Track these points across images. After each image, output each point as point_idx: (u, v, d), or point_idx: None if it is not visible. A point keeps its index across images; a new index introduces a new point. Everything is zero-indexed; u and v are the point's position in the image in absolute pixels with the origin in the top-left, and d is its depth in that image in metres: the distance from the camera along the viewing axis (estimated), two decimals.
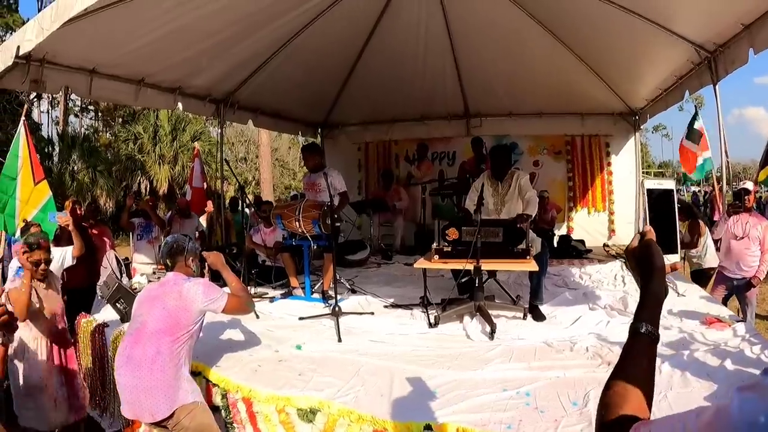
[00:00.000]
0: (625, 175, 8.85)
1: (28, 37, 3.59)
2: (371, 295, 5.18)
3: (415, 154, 9.46)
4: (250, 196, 12.18)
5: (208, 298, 2.82)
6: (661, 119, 58.59)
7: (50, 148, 20.06)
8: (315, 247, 5.30)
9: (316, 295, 5.26)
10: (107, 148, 22.69)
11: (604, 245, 8.27)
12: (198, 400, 2.75)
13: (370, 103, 8.90)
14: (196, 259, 3.11)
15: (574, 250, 7.67)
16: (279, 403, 2.80)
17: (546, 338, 3.76)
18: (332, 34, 6.57)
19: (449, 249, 4.24)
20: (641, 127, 8.77)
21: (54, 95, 20.56)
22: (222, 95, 7.14)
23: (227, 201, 10.27)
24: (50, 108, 26.77)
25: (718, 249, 6.00)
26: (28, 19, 5.12)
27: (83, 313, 4.40)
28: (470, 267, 4.05)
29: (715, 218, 8.18)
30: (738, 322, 3.89)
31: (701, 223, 6.28)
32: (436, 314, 4.21)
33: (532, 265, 4.12)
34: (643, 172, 9.69)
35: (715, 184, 9.43)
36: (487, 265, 4.17)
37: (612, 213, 8.95)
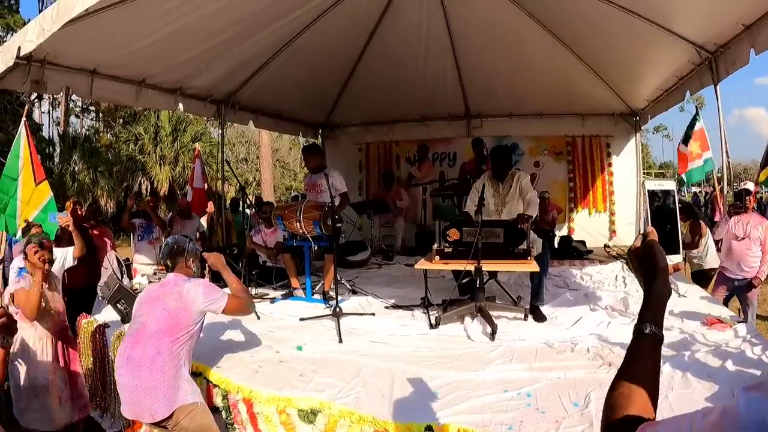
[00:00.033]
0: (625, 176, 8.85)
1: (29, 37, 3.60)
2: (372, 296, 5.18)
3: (416, 155, 9.47)
4: (251, 197, 12.18)
5: (208, 299, 2.82)
6: (662, 120, 58.64)
7: (51, 149, 20.06)
8: (316, 247, 5.30)
9: (316, 296, 5.26)
10: (108, 148, 22.69)
11: (605, 246, 8.27)
12: (198, 400, 2.75)
13: (371, 104, 8.91)
14: (196, 260, 3.12)
15: (574, 251, 7.66)
16: (280, 403, 2.80)
17: (547, 339, 3.76)
18: (333, 35, 6.58)
19: (450, 250, 4.23)
20: (642, 127, 8.77)
21: (55, 96, 20.59)
22: (223, 96, 7.14)
23: (228, 202, 10.28)
24: (51, 109, 26.84)
25: (719, 250, 5.99)
26: (29, 20, 5.12)
27: (84, 313, 4.40)
28: (471, 268, 4.05)
29: (716, 219, 8.17)
30: (739, 322, 3.89)
31: (702, 223, 6.27)
32: (437, 315, 4.21)
33: (533, 266, 4.12)
34: (643, 173, 9.68)
35: (716, 184, 9.43)
36: (487, 266, 4.16)
37: (613, 214, 8.94)
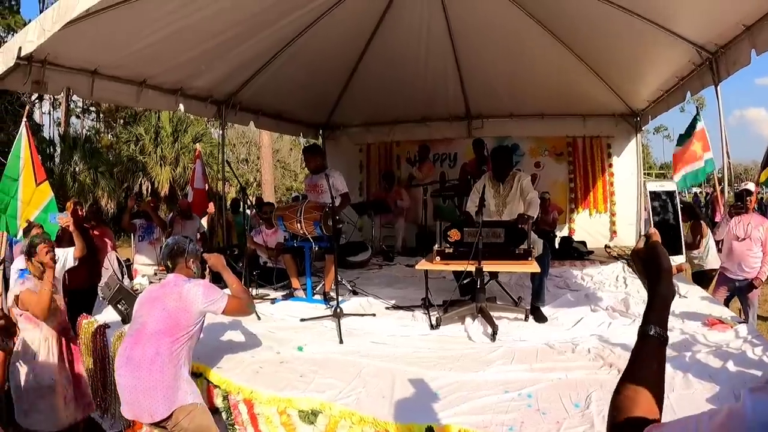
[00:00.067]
0: (626, 177, 8.85)
1: (30, 38, 3.60)
2: (373, 297, 5.18)
3: (417, 156, 9.48)
4: (252, 198, 12.17)
5: (208, 300, 2.82)
6: (663, 120, 58.60)
7: (52, 149, 20.05)
8: (316, 248, 5.29)
9: (317, 297, 5.26)
10: (109, 149, 22.68)
11: (606, 246, 8.27)
12: (197, 401, 2.75)
13: (371, 105, 8.91)
14: (196, 260, 3.11)
15: (575, 252, 7.67)
16: (280, 404, 2.80)
17: (548, 340, 3.76)
18: (334, 36, 6.58)
19: (451, 250, 4.23)
20: (643, 128, 8.77)
21: (55, 96, 20.57)
22: (223, 96, 7.15)
23: (228, 202, 10.29)
24: (52, 109, 26.81)
25: (719, 250, 5.99)
26: (30, 21, 5.12)
27: (84, 314, 4.40)
28: (472, 268, 4.04)
29: (716, 219, 8.16)
30: (740, 323, 3.88)
31: (703, 224, 6.26)
32: (437, 316, 4.20)
33: (533, 267, 4.12)
34: (644, 174, 9.68)
35: (717, 185, 9.42)
36: (488, 267, 4.15)
37: (613, 214, 8.94)
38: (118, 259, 6.29)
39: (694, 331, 3.76)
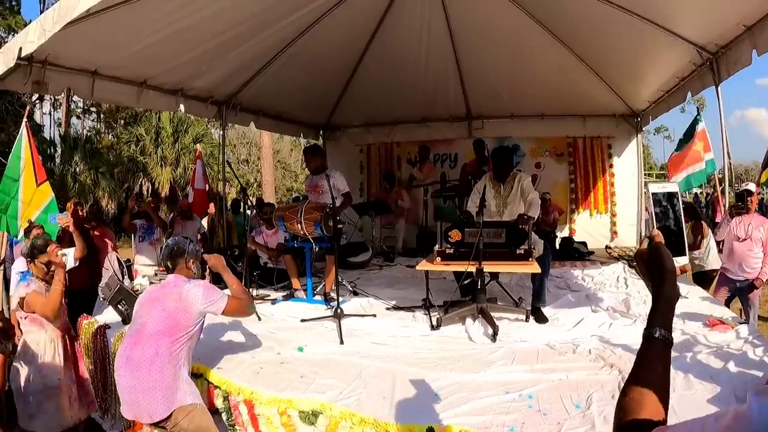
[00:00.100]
0: (627, 177, 8.85)
1: (30, 38, 3.60)
2: (373, 297, 5.18)
3: (417, 156, 9.47)
4: (252, 198, 12.18)
5: (207, 300, 2.82)
6: (663, 121, 58.56)
7: (52, 150, 20.05)
8: (317, 249, 5.29)
9: (318, 297, 5.26)
10: (109, 149, 22.68)
11: (607, 247, 8.26)
12: (197, 401, 2.74)
13: (372, 105, 8.92)
14: (197, 261, 3.11)
15: (576, 252, 7.66)
16: (281, 405, 2.80)
17: (548, 340, 3.75)
18: (334, 36, 6.58)
19: (451, 251, 4.23)
20: (643, 128, 8.77)
21: (56, 97, 20.58)
22: (224, 97, 7.15)
23: (229, 203, 10.29)
24: (52, 110, 26.80)
25: (720, 251, 5.98)
26: (31, 21, 5.12)
27: (85, 314, 4.39)
28: (472, 269, 4.04)
29: (717, 220, 8.15)
30: (740, 324, 3.88)
31: (704, 224, 6.25)
32: (438, 316, 4.20)
33: (534, 267, 4.11)
34: (645, 174, 9.68)
35: (717, 185, 9.42)
36: (489, 267, 4.15)
37: (614, 215, 8.94)
38: (118, 259, 6.30)
39: (695, 332, 3.75)
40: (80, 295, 5.40)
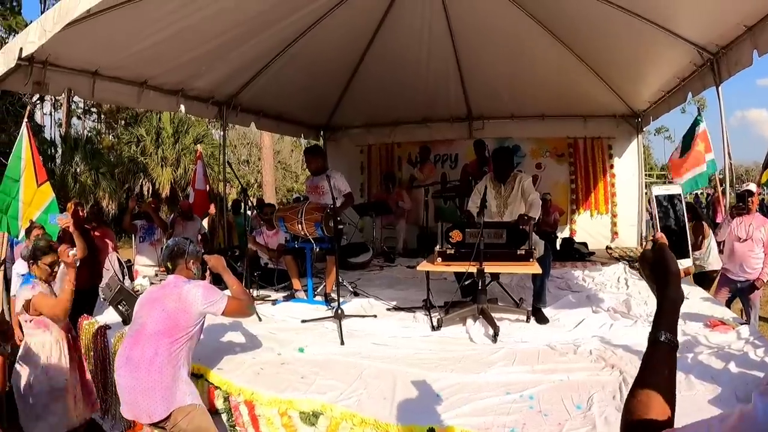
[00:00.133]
0: (627, 178, 8.85)
1: (31, 39, 3.60)
2: (374, 298, 5.18)
3: (418, 157, 9.48)
4: (253, 199, 12.18)
5: (207, 301, 2.82)
6: (664, 122, 58.61)
7: (53, 150, 20.06)
8: (317, 249, 5.29)
9: (318, 298, 5.26)
10: (110, 150, 22.68)
11: (607, 248, 8.27)
12: (196, 402, 2.74)
13: (372, 106, 8.92)
14: (197, 261, 3.11)
15: (576, 253, 7.66)
16: (281, 406, 2.80)
17: (549, 341, 3.75)
18: (335, 37, 6.58)
19: (452, 251, 4.22)
20: (644, 129, 8.78)
21: (57, 97, 20.60)
22: (224, 98, 7.15)
23: (229, 203, 10.29)
24: (53, 110, 26.79)
25: (721, 251, 5.98)
26: (31, 21, 5.12)
27: (85, 315, 4.39)
28: (473, 269, 4.03)
29: (718, 220, 8.15)
30: (741, 324, 3.87)
31: (705, 224, 6.25)
32: (438, 317, 4.20)
33: (535, 268, 4.11)
34: (645, 175, 9.68)
35: (718, 186, 9.41)
36: (490, 268, 4.15)
37: (615, 215, 8.94)
38: (119, 259, 6.30)
39: (696, 333, 3.75)
40: (81, 295, 5.36)
